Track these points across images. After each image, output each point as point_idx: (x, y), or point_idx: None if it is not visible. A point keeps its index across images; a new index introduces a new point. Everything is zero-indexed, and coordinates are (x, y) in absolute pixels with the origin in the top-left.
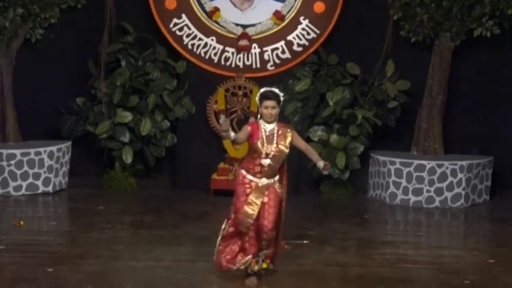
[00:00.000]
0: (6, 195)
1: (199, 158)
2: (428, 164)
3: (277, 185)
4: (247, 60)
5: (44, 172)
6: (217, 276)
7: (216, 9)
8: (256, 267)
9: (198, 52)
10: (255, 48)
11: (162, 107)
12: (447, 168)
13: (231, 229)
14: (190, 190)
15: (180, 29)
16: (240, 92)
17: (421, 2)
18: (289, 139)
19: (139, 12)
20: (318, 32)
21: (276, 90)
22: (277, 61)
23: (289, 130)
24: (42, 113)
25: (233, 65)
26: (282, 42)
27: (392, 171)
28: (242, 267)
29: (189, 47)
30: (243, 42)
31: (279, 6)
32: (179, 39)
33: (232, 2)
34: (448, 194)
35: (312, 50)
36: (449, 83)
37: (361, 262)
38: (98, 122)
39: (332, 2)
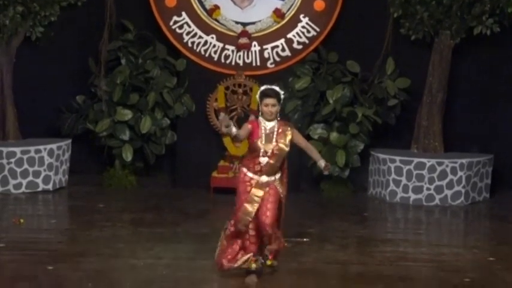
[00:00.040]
0: (6, 193)
1: (199, 156)
2: (428, 162)
3: (277, 183)
4: (247, 58)
5: (44, 170)
6: (218, 274)
7: (216, 7)
8: (254, 266)
9: (198, 50)
10: (255, 46)
11: (162, 105)
12: (447, 166)
13: (232, 228)
14: (190, 188)
15: (180, 27)
16: (240, 90)
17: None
18: (289, 137)
19: (140, 10)
20: (318, 29)
21: (277, 88)
22: (277, 59)
23: (289, 128)
24: (42, 111)
25: (233, 63)
26: (282, 40)
27: (392, 169)
28: (243, 265)
29: (189, 44)
30: (243, 40)
31: (279, 4)
32: (179, 37)
33: (232, 0)
34: (448, 192)
35: (312, 47)
36: (449, 81)
37: (361, 260)
38: (98, 120)
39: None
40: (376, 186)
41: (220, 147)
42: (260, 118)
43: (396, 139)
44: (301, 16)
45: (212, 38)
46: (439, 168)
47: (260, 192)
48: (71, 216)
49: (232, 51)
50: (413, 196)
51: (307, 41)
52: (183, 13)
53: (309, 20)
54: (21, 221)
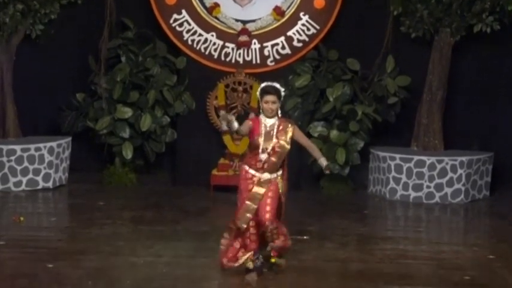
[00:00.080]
0: (6, 190)
1: (199, 154)
2: (428, 160)
3: (279, 179)
4: (247, 55)
5: (44, 168)
6: (218, 272)
7: (216, 5)
8: (251, 264)
9: (198, 48)
10: (255, 43)
11: (162, 103)
12: (447, 163)
13: (233, 226)
14: (190, 186)
15: (180, 25)
16: (240, 88)
17: None
18: (290, 134)
19: (140, 7)
20: (318, 27)
21: (277, 85)
22: (277, 57)
23: (290, 125)
24: (42, 108)
25: (233, 61)
26: (282, 38)
27: (392, 167)
28: (243, 263)
29: (189, 42)
30: (243, 38)
31: (279, 1)
32: (179, 34)
33: None
34: (448, 190)
35: (312, 45)
36: (449, 78)
37: (361, 258)
38: (98, 117)
39: None
40: (376, 184)
41: (220, 145)
42: (261, 115)
43: (396, 137)
44: (301, 14)
45: (212, 35)
46: (439, 166)
47: (262, 190)
48: (71, 214)
49: (232, 49)
50: (413, 194)
51: (307, 39)
52: (183, 11)
53: (309, 17)
54: (21, 218)
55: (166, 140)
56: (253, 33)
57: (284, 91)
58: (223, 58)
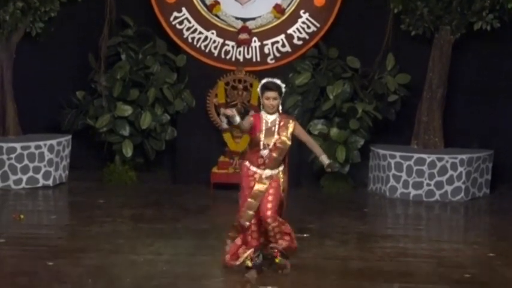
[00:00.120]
0: (6, 188)
1: (199, 152)
2: (429, 158)
3: (280, 175)
4: (248, 53)
5: (44, 166)
6: (218, 269)
7: (216, 3)
8: (249, 263)
9: (198, 46)
10: (255, 41)
11: (162, 101)
12: (447, 161)
13: (235, 224)
14: (190, 184)
15: (180, 23)
16: (240, 86)
17: None
18: (290, 130)
19: (140, 5)
20: (318, 25)
21: (278, 81)
22: (278, 55)
23: (291, 121)
24: (42, 106)
25: (233, 59)
26: (282, 36)
27: (393, 165)
28: (244, 261)
29: (189, 40)
30: (243, 36)
31: None
32: (179, 32)
33: None
34: (448, 188)
35: (312, 43)
36: (450, 76)
37: (361, 256)
38: (98, 115)
39: None
40: (376, 181)
41: (221, 142)
42: (262, 112)
43: (396, 135)
44: (302, 12)
45: (212, 33)
46: (439, 164)
47: (263, 187)
48: (71, 212)
49: (233, 46)
50: (413, 192)
51: (307, 37)
52: (183, 9)
53: (309, 15)
54: (22, 216)
55: (166, 138)
56: (253, 31)
57: (285, 87)
58: (223, 56)
